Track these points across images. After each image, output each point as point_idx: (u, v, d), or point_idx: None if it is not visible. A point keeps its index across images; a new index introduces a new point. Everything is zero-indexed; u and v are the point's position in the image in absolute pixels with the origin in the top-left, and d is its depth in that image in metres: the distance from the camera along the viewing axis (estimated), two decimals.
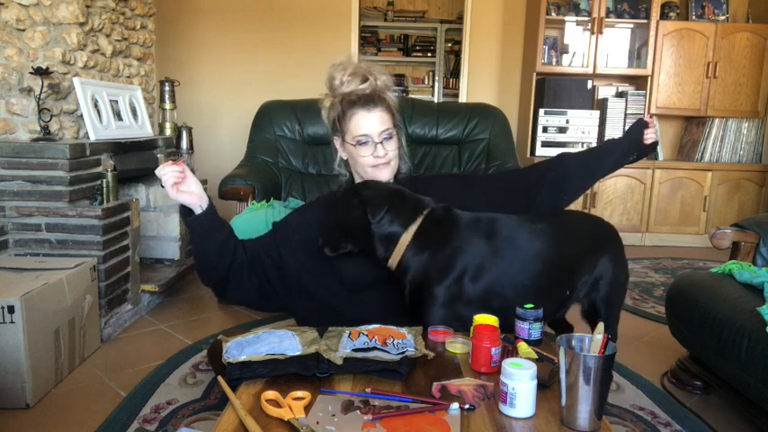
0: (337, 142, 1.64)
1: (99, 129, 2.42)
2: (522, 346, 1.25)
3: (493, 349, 1.17)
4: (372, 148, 1.55)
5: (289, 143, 2.84)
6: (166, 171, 1.37)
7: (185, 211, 1.44)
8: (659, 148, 4.40)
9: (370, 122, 1.54)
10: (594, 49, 4.16)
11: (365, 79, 1.58)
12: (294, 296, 1.57)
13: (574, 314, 1.70)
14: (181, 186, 1.39)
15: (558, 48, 4.42)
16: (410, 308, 1.46)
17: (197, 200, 1.42)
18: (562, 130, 4.20)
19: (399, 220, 1.43)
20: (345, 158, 1.64)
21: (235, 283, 1.52)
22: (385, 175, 1.58)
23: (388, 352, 1.19)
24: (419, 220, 1.44)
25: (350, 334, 1.25)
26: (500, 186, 1.72)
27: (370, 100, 1.55)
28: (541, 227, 1.51)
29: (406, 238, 1.43)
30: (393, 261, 1.45)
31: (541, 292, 1.46)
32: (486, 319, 1.27)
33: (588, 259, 1.56)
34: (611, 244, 1.63)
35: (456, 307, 1.41)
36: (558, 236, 1.51)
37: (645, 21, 4.20)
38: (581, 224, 1.64)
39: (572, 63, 4.37)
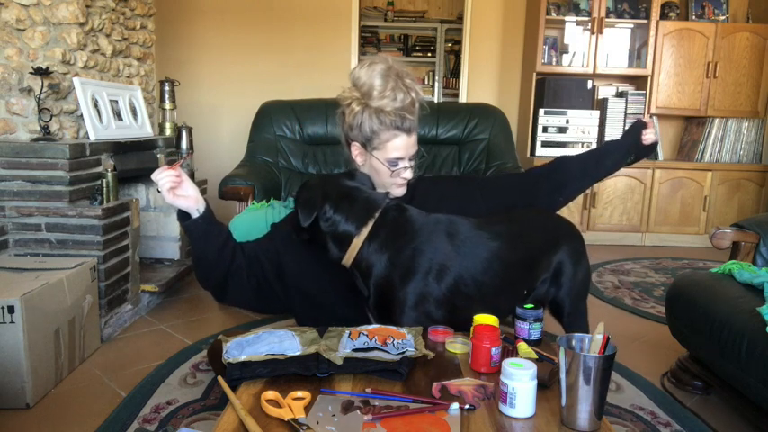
0: (357, 148, 1.61)
1: (99, 129, 2.42)
2: (522, 346, 1.25)
3: (493, 349, 1.17)
4: (401, 171, 1.58)
5: (289, 143, 2.84)
6: (163, 176, 1.37)
7: (183, 216, 1.43)
8: (659, 148, 4.40)
9: (406, 147, 1.57)
10: (594, 49, 4.16)
11: (407, 97, 1.57)
12: (293, 297, 1.57)
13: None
14: (177, 191, 1.39)
15: (558, 48, 4.43)
16: (377, 313, 1.45)
17: (194, 203, 1.41)
18: (562, 130, 4.20)
19: (350, 220, 1.42)
20: (362, 164, 1.64)
21: (233, 286, 1.51)
22: (401, 192, 1.62)
23: (388, 352, 1.19)
24: (371, 222, 1.43)
25: (350, 334, 1.25)
26: (498, 189, 1.73)
27: (411, 123, 1.57)
28: (499, 228, 1.50)
29: (359, 240, 1.41)
30: (347, 260, 1.44)
31: (501, 291, 1.46)
32: (486, 319, 1.27)
33: (544, 258, 1.55)
34: (567, 240, 1.60)
35: (425, 308, 1.40)
36: (514, 237, 1.50)
37: (645, 21, 4.20)
38: (536, 224, 1.62)
39: (572, 63, 4.37)
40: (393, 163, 1.57)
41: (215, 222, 1.47)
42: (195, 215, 1.42)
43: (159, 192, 1.39)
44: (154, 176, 1.39)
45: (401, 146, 1.57)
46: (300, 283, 1.56)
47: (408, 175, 1.59)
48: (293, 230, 1.49)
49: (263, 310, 1.91)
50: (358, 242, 1.42)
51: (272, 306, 1.64)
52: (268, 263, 1.54)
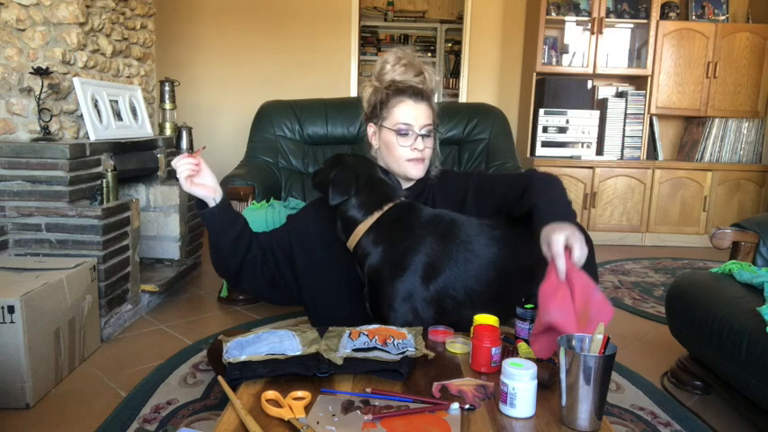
0: (371, 129, 1.63)
1: (99, 129, 2.42)
2: (522, 346, 1.25)
3: (493, 349, 1.17)
4: (412, 140, 1.55)
5: (289, 143, 2.84)
6: (182, 163, 1.37)
7: (200, 204, 1.44)
8: (659, 148, 4.40)
9: (415, 113, 1.55)
10: (594, 49, 4.16)
11: (420, 73, 1.59)
12: (303, 290, 1.58)
13: None
14: (195, 179, 1.39)
15: (558, 48, 4.43)
16: (370, 301, 1.47)
17: (211, 192, 1.41)
18: (562, 130, 4.20)
19: (361, 207, 1.46)
20: (377, 147, 1.63)
21: (246, 275, 1.53)
22: (418, 171, 1.58)
23: (389, 352, 1.19)
24: (378, 213, 1.45)
25: (350, 334, 1.25)
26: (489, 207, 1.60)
27: (419, 93, 1.56)
28: (500, 233, 1.47)
29: (363, 227, 1.45)
30: (350, 244, 1.48)
31: (493, 299, 1.44)
32: (486, 319, 1.27)
33: (546, 263, 1.52)
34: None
35: (413, 305, 1.40)
36: (515, 244, 1.47)
37: (645, 21, 4.20)
38: None
39: (572, 63, 4.38)
40: (402, 131, 1.55)
41: (231, 212, 1.47)
42: (212, 204, 1.42)
43: (177, 179, 1.39)
44: (174, 163, 1.39)
45: (409, 112, 1.54)
46: (309, 278, 1.56)
47: (419, 145, 1.55)
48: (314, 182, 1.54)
49: (276, 301, 1.91)
50: (361, 229, 1.44)
51: (286, 297, 1.64)
52: (281, 254, 1.55)
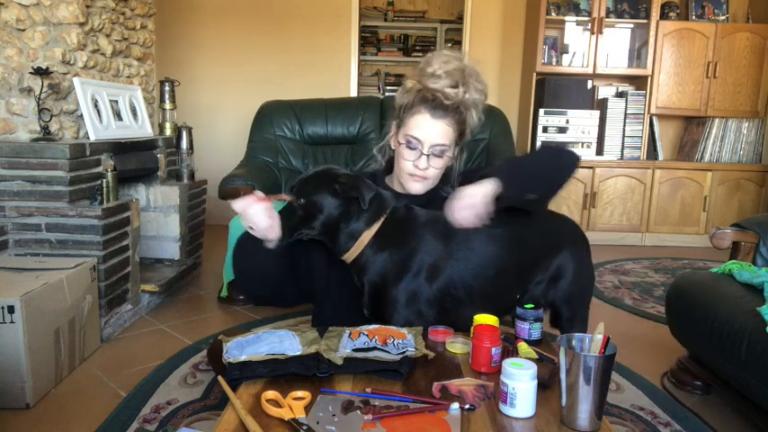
0: (394, 127, 1.56)
1: (99, 129, 2.42)
2: (522, 346, 1.25)
3: (493, 349, 1.17)
4: (416, 156, 1.47)
5: (289, 143, 2.84)
6: (256, 211, 1.27)
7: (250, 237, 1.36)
8: (659, 148, 4.40)
9: (428, 129, 1.46)
10: (594, 49, 4.16)
11: (455, 85, 1.46)
12: (314, 285, 1.57)
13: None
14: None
15: (558, 48, 4.43)
16: (371, 307, 1.45)
17: (278, 233, 1.34)
18: (562, 130, 4.20)
19: (365, 215, 1.40)
20: (393, 147, 1.57)
21: (273, 297, 1.53)
22: (416, 188, 1.52)
23: (389, 352, 1.19)
24: (383, 218, 1.42)
25: (350, 334, 1.25)
26: None
27: (442, 107, 1.45)
28: (498, 231, 1.46)
29: (367, 236, 1.40)
30: (349, 256, 1.42)
31: (491, 296, 1.44)
32: (486, 319, 1.27)
33: (543, 261, 1.53)
34: (569, 242, 1.56)
35: (417, 307, 1.40)
36: (513, 241, 1.47)
37: (645, 21, 4.20)
38: (540, 225, 1.57)
39: (572, 63, 4.38)
40: (410, 143, 1.46)
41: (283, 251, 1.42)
42: (271, 246, 1.35)
43: (251, 229, 1.28)
44: (239, 208, 1.28)
45: (421, 125, 1.45)
46: (311, 279, 1.55)
47: (422, 164, 1.46)
48: (287, 229, 1.42)
49: (286, 303, 1.85)
50: (366, 237, 1.40)
51: (299, 297, 1.60)
52: (300, 247, 1.51)
